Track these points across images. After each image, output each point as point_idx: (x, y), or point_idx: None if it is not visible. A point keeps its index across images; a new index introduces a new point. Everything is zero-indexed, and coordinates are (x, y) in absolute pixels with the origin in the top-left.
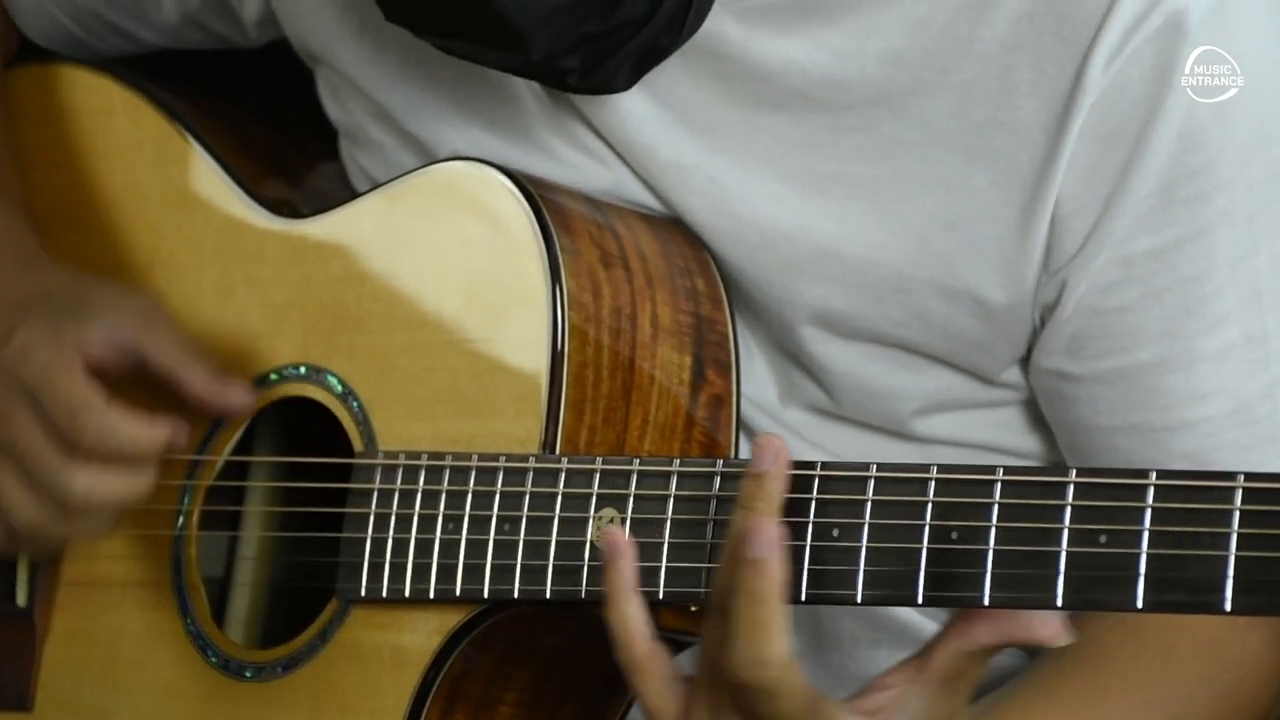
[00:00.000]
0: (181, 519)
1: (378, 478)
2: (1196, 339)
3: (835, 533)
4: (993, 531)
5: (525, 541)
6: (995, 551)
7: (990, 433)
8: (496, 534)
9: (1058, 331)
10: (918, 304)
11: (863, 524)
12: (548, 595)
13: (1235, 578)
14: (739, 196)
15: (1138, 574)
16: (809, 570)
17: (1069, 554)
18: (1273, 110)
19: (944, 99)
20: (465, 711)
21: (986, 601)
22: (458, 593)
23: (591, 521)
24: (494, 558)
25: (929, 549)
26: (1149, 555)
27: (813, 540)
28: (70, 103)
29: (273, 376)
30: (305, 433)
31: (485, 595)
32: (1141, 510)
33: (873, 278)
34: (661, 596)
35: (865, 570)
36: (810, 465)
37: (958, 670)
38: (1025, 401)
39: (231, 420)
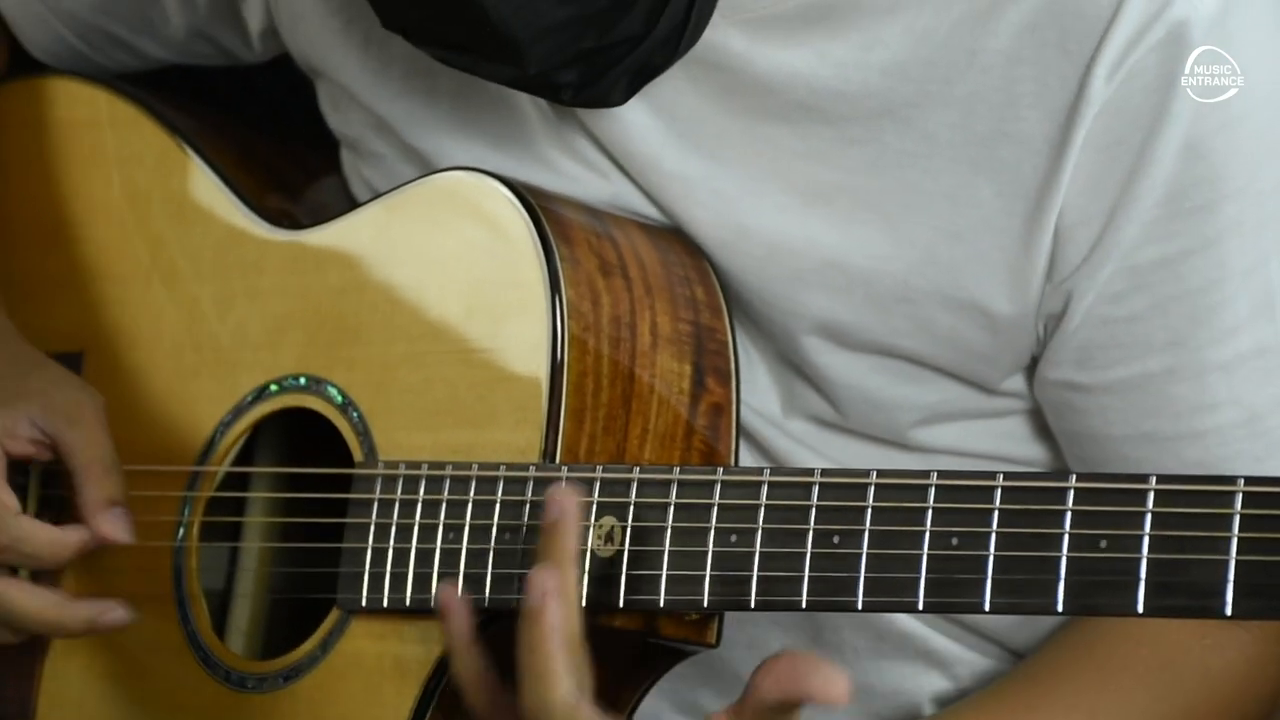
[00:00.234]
0: (182, 530)
1: (378, 488)
2: (1205, 348)
3: (836, 539)
4: (993, 537)
5: (525, 550)
6: (996, 557)
7: (993, 443)
8: (497, 543)
9: (1066, 342)
10: (923, 315)
11: (863, 530)
12: None
13: (1236, 581)
14: (743, 208)
15: (1138, 579)
16: (809, 577)
17: (1069, 559)
18: (1278, 119)
19: (948, 111)
20: None
21: (987, 607)
22: None
23: (592, 530)
24: (495, 567)
25: (929, 555)
26: (1149, 560)
27: (813, 547)
28: (65, 116)
29: (272, 387)
30: (305, 444)
31: (486, 604)
32: (1142, 515)
33: (877, 289)
34: (662, 604)
35: (865, 577)
36: (809, 472)
37: None
38: (1028, 412)
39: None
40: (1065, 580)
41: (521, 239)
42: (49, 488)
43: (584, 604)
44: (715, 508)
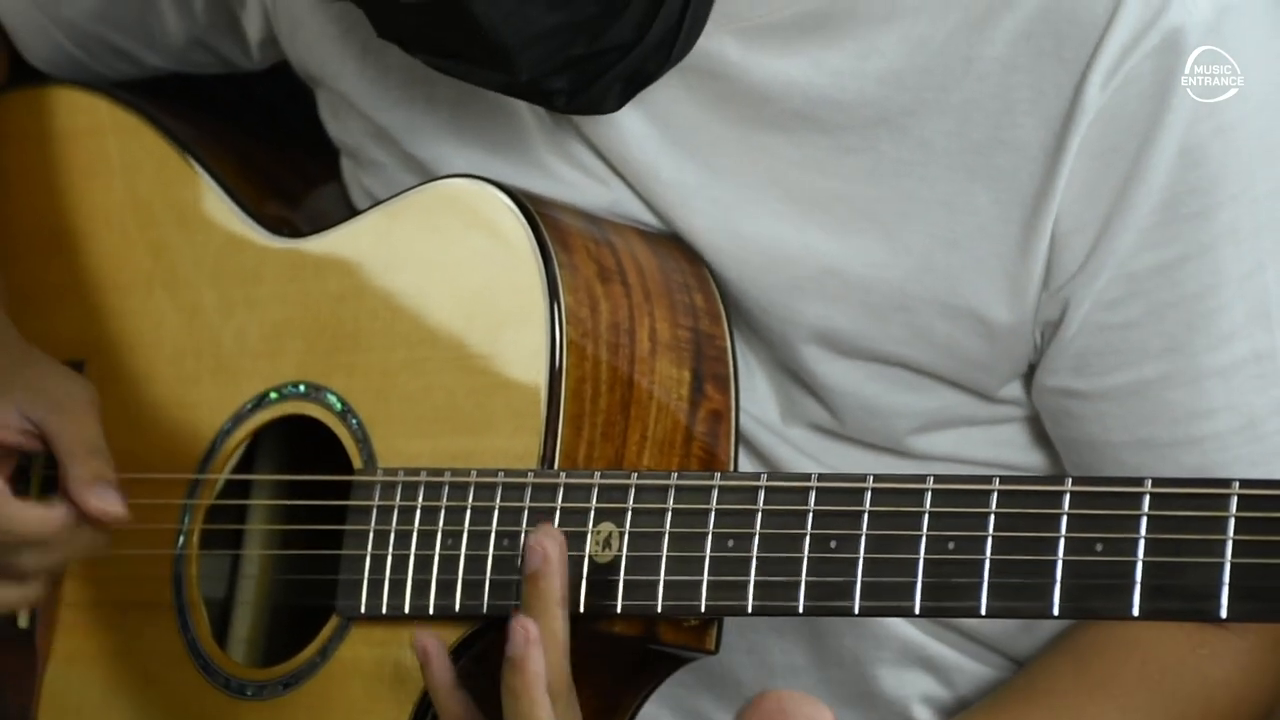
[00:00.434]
0: (182, 538)
1: (377, 495)
2: (1201, 354)
3: (832, 544)
4: (989, 541)
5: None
6: (992, 561)
7: (991, 450)
8: (495, 549)
9: (1063, 350)
10: (921, 323)
11: (860, 535)
12: None
13: (1231, 584)
14: (740, 216)
15: (1134, 582)
16: (806, 582)
17: (1065, 563)
18: (1274, 125)
19: (944, 118)
20: None
21: (983, 611)
22: (457, 608)
23: (590, 536)
24: (493, 573)
25: (926, 559)
26: (1145, 563)
27: (810, 552)
28: (66, 125)
29: (272, 395)
30: (305, 451)
31: (484, 610)
32: (1137, 518)
33: (875, 296)
34: (660, 610)
35: (862, 581)
36: (806, 477)
37: None
38: (1025, 419)
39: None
40: (1061, 584)
41: (520, 245)
42: (51, 489)
43: (582, 610)
44: (713, 513)
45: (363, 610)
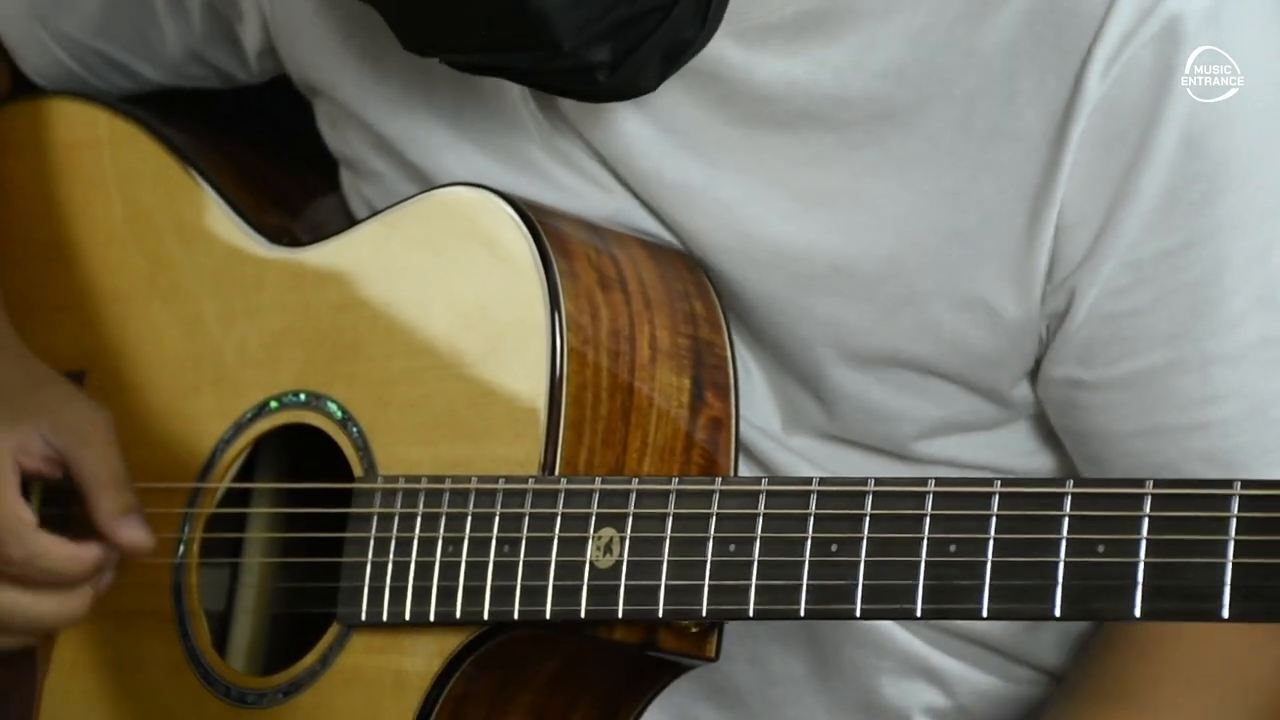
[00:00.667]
0: (182, 547)
1: (377, 502)
2: (1206, 340)
3: (834, 547)
4: (991, 544)
5: (525, 562)
6: (993, 563)
7: (993, 455)
8: (496, 556)
9: (1069, 340)
10: (929, 318)
11: (861, 538)
12: (548, 615)
13: (1233, 585)
14: (747, 215)
15: (1135, 583)
16: (807, 585)
17: (1067, 564)
18: (1275, 110)
19: (948, 110)
20: None
21: (985, 613)
22: (458, 615)
23: (591, 541)
24: (494, 579)
25: (927, 562)
26: (1147, 564)
27: (811, 555)
28: (65, 136)
29: (273, 404)
30: (306, 459)
31: (485, 617)
32: (1139, 519)
33: (883, 292)
34: (661, 615)
35: (864, 584)
36: (807, 481)
37: None
38: (1030, 421)
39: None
40: (1063, 585)
41: (520, 253)
42: (49, 506)
43: (583, 615)
44: (714, 517)
45: (363, 617)
